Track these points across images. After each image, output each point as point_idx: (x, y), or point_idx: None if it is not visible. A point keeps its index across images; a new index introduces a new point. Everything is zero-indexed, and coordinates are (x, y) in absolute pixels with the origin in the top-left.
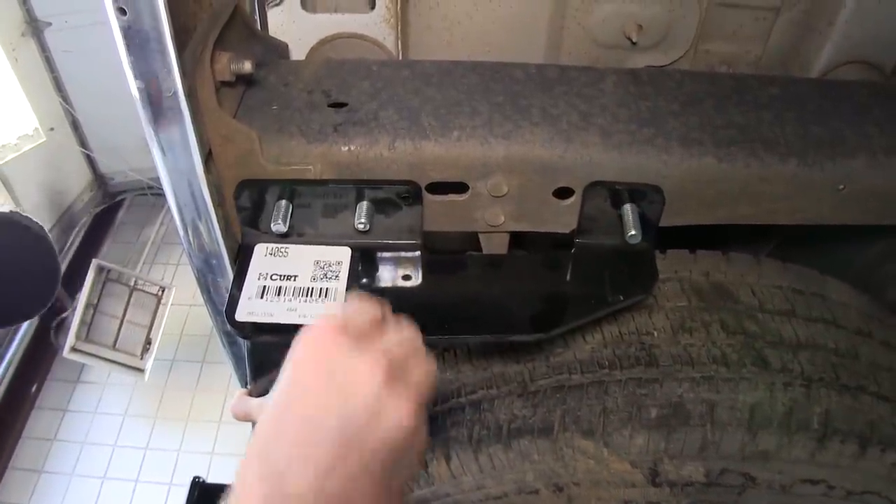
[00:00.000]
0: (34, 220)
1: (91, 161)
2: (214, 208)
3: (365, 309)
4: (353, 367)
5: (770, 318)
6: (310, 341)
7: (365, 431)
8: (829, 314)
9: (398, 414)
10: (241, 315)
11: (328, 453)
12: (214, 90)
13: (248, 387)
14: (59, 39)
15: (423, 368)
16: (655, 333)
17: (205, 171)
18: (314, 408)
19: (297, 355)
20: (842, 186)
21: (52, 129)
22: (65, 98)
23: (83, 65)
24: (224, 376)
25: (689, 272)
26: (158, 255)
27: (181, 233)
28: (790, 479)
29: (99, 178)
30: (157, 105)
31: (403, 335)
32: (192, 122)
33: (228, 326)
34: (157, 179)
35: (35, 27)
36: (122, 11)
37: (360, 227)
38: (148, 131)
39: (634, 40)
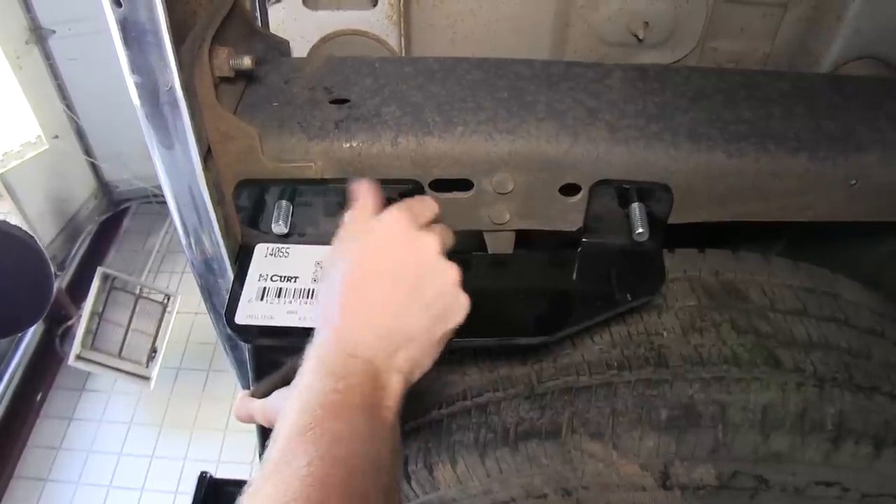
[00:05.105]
0: (22, 229)
1: (96, 169)
2: (214, 207)
3: (426, 205)
4: (419, 237)
5: (781, 317)
6: (388, 221)
7: (427, 282)
8: (841, 313)
9: (450, 273)
10: (241, 318)
11: (402, 295)
12: (213, 86)
13: (251, 389)
14: (63, 47)
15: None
16: (665, 333)
17: (204, 169)
18: (392, 263)
19: (379, 230)
20: (854, 182)
21: (56, 136)
22: (69, 106)
23: (87, 72)
24: (230, 384)
25: (699, 271)
26: (164, 263)
27: (180, 233)
28: (804, 482)
29: (104, 186)
30: (153, 100)
31: (444, 228)
32: (190, 118)
33: (228, 330)
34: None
35: (39, 35)
36: (117, 3)
37: None
38: (145, 127)
39: (641, 37)
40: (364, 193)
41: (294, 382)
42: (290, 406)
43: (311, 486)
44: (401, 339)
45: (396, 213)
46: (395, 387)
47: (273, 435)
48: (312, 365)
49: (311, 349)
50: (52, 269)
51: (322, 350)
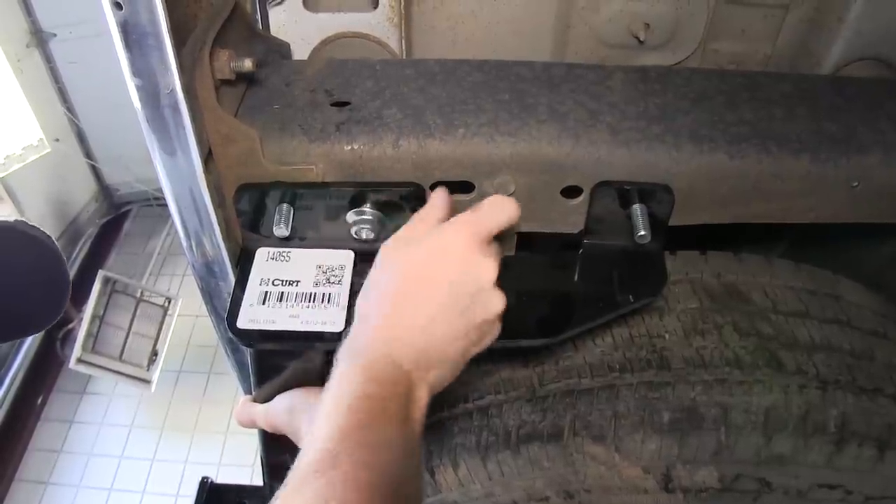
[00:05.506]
0: (40, 228)
1: (96, 172)
2: (215, 210)
3: (500, 212)
4: (479, 260)
5: (784, 319)
6: (452, 232)
7: (476, 310)
8: (844, 315)
9: (497, 304)
10: (243, 322)
11: (450, 318)
12: (214, 88)
13: (253, 394)
14: (64, 50)
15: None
16: (667, 336)
17: (204, 171)
18: (447, 282)
19: (440, 240)
20: (855, 183)
21: (57, 139)
22: (70, 109)
23: (88, 76)
24: (231, 387)
25: (701, 273)
26: (164, 266)
27: (181, 236)
28: (807, 484)
29: (104, 189)
30: (154, 103)
31: (499, 247)
32: (191, 121)
33: (230, 334)
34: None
35: (40, 38)
36: (118, 6)
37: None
38: (146, 130)
39: (642, 39)
40: (439, 200)
41: (330, 383)
42: (326, 408)
43: (351, 491)
44: (437, 358)
45: (462, 224)
46: (423, 400)
47: (311, 434)
48: (351, 365)
49: (347, 345)
50: (69, 269)
51: (361, 351)
